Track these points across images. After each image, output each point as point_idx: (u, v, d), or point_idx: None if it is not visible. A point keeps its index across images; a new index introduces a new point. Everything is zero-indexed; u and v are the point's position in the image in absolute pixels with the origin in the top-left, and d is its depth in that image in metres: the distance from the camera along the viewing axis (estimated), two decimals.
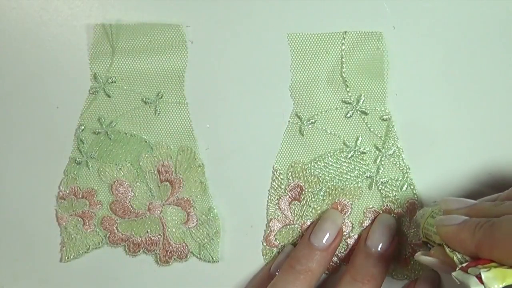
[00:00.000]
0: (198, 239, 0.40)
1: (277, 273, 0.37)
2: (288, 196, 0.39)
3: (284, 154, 0.38)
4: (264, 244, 0.40)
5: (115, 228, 0.41)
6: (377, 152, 0.37)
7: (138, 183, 0.40)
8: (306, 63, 0.37)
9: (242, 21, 0.37)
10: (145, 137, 0.39)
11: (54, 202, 0.41)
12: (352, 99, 0.37)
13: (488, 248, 0.26)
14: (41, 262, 0.42)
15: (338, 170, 0.38)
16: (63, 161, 0.40)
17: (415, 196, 0.38)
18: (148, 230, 0.40)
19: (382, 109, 0.37)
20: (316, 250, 0.37)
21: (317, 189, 0.38)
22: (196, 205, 0.40)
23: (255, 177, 0.39)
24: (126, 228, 0.41)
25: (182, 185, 0.40)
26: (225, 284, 0.41)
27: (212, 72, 0.38)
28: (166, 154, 0.39)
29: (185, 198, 0.40)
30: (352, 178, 0.38)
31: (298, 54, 0.37)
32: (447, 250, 0.28)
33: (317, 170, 0.38)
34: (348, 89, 0.37)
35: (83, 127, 0.40)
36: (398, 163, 0.37)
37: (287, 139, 0.38)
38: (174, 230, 0.40)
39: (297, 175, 0.38)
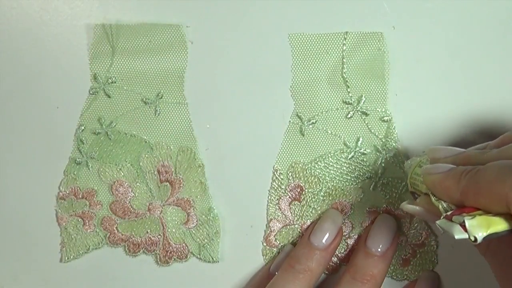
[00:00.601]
0: (198, 240, 0.40)
1: (276, 273, 0.37)
2: (288, 196, 0.39)
3: (285, 154, 0.38)
4: (264, 244, 0.40)
5: (115, 229, 0.41)
6: (377, 152, 0.37)
7: (138, 184, 0.40)
8: (307, 63, 0.37)
9: (242, 21, 0.37)
10: (145, 137, 0.39)
11: (54, 202, 0.41)
12: (352, 100, 0.37)
13: (473, 196, 0.25)
14: (41, 262, 0.42)
15: (339, 171, 0.38)
16: (63, 161, 0.40)
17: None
18: (148, 231, 0.40)
19: (383, 109, 0.37)
20: (315, 249, 0.37)
21: (317, 190, 0.38)
22: (196, 206, 0.40)
23: (255, 177, 0.39)
24: (126, 229, 0.41)
25: (182, 185, 0.40)
26: (225, 284, 0.41)
27: (212, 72, 0.38)
28: (166, 155, 0.39)
29: (185, 199, 0.40)
30: (352, 179, 0.38)
31: (299, 54, 0.37)
32: (433, 199, 0.28)
33: (318, 170, 0.38)
34: (349, 90, 0.37)
35: (83, 127, 0.40)
36: (399, 163, 0.37)
37: (288, 139, 0.38)
38: (174, 230, 0.40)
39: (297, 175, 0.38)
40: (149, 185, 0.40)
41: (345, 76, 0.37)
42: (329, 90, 0.37)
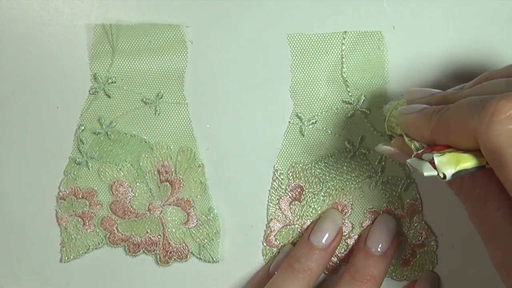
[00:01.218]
0: (198, 240, 0.40)
1: (276, 272, 0.37)
2: (288, 196, 0.39)
3: (285, 155, 0.38)
4: (264, 244, 0.40)
5: (115, 229, 0.41)
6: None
7: (138, 184, 0.40)
8: (306, 63, 0.37)
9: (242, 21, 0.37)
10: (145, 137, 0.39)
11: (54, 202, 0.41)
12: (352, 99, 0.37)
13: (443, 133, 0.25)
14: (41, 262, 0.42)
15: (339, 171, 0.38)
16: (63, 161, 0.40)
17: (417, 196, 0.38)
18: (148, 231, 0.40)
19: (383, 109, 0.37)
20: (315, 249, 0.37)
21: (318, 190, 0.38)
22: (196, 205, 0.40)
23: (255, 177, 0.39)
24: (126, 229, 0.41)
25: (182, 185, 0.40)
26: (225, 284, 0.41)
27: (212, 72, 0.38)
28: (166, 155, 0.39)
29: (185, 199, 0.40)
30: (352, 179, 0.38)
31: (298, 54, 0.37)
32: (406, 139, 0.28)
33: (318, 170, 0.38)
34: (348, 89, 0.37)
35: (83, 127, 0.40)
36: (398, 162, 0.37)
37: (288, 139, 0.38)
38: (174, 230, 0.40)
39: (297, 175, 0.38)
40: (149, 185, 0.40)
41: (345, 76, 0.37)
42: (329, 90, 0.37)
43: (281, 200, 0.39)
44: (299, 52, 0.37)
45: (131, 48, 0.38)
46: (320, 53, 0.37)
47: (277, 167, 0.39)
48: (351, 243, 0.39)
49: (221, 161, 0.39)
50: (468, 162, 0.24)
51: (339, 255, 0.39)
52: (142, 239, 0.41)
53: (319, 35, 0.37)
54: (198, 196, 0.40)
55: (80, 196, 0.40)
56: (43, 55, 0.39)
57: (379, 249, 0.36)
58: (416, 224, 0.38)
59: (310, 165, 0.38)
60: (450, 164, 0.23)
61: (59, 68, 0.39)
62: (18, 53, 0.39)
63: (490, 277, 0.38)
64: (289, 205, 0.39)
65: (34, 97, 0.40)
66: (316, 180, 0.38)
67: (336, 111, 0.37)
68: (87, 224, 0.41)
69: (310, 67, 0.37)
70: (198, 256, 0.40)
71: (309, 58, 0.37)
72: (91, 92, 0.39)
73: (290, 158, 0.38)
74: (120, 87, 0.39)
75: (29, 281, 0.43)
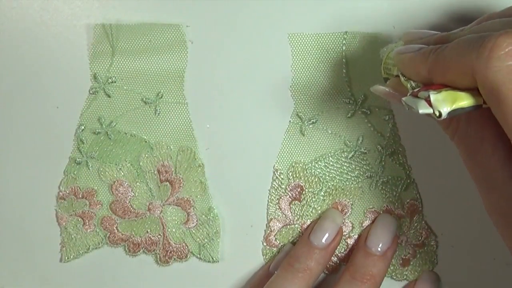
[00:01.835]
0: (198, 239, 0.40)
1: (276, 272, 0.37)
2: (288, 196, 0.39)
3: (285, 154, 0.38)
4: (264, 244, 0.40)
5: (115, 228, 0.41)
6: (378, 152, 0.38)
7: (138, 183, 0.40)
8: (307, 63, 0.37)
9: (242, 21, 0.37)
10: (145, 137, 0.39)
11: (54, 202, 0.41)
12: (353, 99, 0.37)
13: (440, 71, 0.25)
14: (41, 262, 0.42)
15: (339, 170, 0.38)
16: (63, 161, 0.40)
17: (417, 195, 0.38)
18: (148, 230, 0.40)
19: (384, 108, 0.37)
20: (315, 249, 0.37)
21: (318, 189, 0.38)
22: (196, 205, 0.40)
23: (255, 177, 0.39)
24: (126, 228, 0.41)
25: (182, 185, 0.40)
26: (225, 284, 0.41)
27: (212, 72, 0.38)
28: (166, 154, 0.39)
29: (185, 198, 0.40)
30: (352, 178, 0.38)
31: (299, 54, 0.37)
32: (402, 78, 0.27)
33: (318, 170, 0.38)
34: (349, 89, 0.37)
35: (83, 127, 0.40)
36: (400, 162, 0.37)
37: (288, 139, 0.38)
38: (174, 230, 0.40)
39: (297, 175, 0.38)
40: (149, 185, 0.40)
41: (345, 76, 0.37)
42: (329, 89, 0.37)
43: (281, 199, 0.39)
44: (299, 52, 0.37)
45: (131, 48, 0.38)
46: (321, 53, 0.37)
47: (277, 166, 0.39)
48: (351, 243, 0.39)
49: (221, 161, 0.39)
50: (465, 100, 0.23)
51: (339, 254, 0.39)
52: (142, 238, 0.41)
53: (320, 35, 0.37)
54: (198, 196, 0.40)
55: (80, 196, 0.40)
56: (43, 55, 0.39)
57: (379, 249, 0.36)
58: (416, 224, 0.38)
59: (310, 165, 0.38)
60: (446, 102, 0.23)
61: (59, 68, 0.39)
62: (18, 53, 0.39)
63: (490, 277, 0.38)
64: (289, 205, 0.39)
65: (34, 97, 0.40)
66: (316, 180, 0.38)
67: (336, 111, 0.37)
68: (87, 224, 0.41)
69: (310, 67, 0.37)
70: (198, 256, 0.40)
71: (309, 58, 0.37)
72: (91, 92, 0.39)
73: (290, 158, 0.38)
74: (120, 87, 0.39)
75: (29, 281, 0.43)
